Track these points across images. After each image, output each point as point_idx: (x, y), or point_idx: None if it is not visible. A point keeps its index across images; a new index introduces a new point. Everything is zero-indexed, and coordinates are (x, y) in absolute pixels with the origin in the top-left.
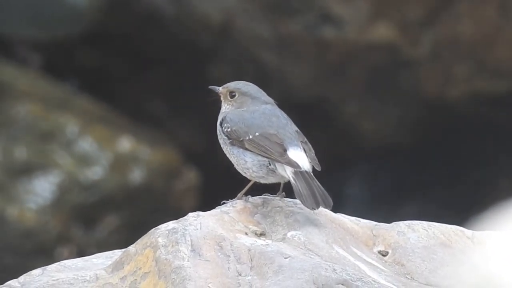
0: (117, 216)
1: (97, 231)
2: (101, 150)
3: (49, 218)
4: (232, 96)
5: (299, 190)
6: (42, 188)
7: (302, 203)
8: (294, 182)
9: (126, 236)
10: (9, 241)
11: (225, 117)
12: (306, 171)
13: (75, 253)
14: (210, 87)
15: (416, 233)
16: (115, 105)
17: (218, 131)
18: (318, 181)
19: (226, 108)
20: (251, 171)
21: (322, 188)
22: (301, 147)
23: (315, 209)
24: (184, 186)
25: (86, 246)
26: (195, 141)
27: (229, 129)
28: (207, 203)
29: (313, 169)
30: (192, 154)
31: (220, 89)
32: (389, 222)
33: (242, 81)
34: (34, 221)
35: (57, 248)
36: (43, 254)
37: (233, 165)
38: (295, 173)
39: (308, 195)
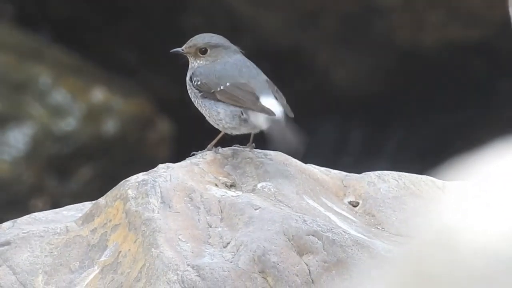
0: (91, 167)
1: (71, 182)
2: (74, 101)
3: (23, 169)
4: (204, 52)
5: (273, 133)
6: (16, 140)
7: (278, 144)
8: (267, 127)
9: (100, 187)
10: None
11: (195, 71)
12: (278, 118)
13: (49, 205)
14: (171, 51)
15: (386, 184)
16: (88, 55)
17: (188, 86)
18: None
19: (198, 64)
20: (223, 122)
21: (295, 132)
22: (273, 95)
23: (290, 148)
24: (157, 136)
25: (60, 197)
26: (169, 91)
27: (199, 82)
28: (181, 153)
29: (286, 116)
30: (166, 104)
31: (183, 49)
32: (360, 173)
33: (205, 34)
34: (8, 172)
35: (31, 200)
36: (17, 206)
37: (205, 118)
38: (268, 119)
39: (282, 137)
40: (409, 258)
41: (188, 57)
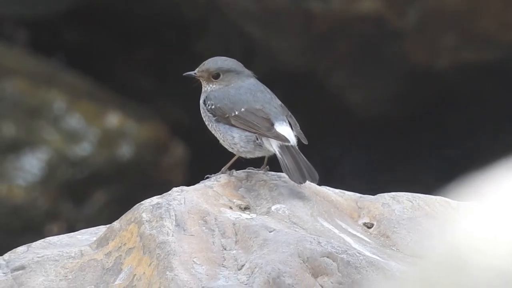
0: (105, 192)
1: (86, 207)
2: (89, 126)
3: (38, 194)
4: (216, 77)
5: (285, 164)
6: (31, 165)
7: (289, 177)
8: (280, 156)
9: (115, 211)
10: None
11: (208, 95)
12: (292, 146)
13: (65, 229)
14: (184, 74)
15: (401, 205)
16: (102, 80)
17: (202, 109)
18: (304, 154)
19: (211, 88)
20: (238, 146)
21: (308, 162)
22: (287, 121)
23: (301, 183)
24: (172, 161)
25: (75, 222)
26: (183, 115)
27: (213, 106)
28: (195, 177)
29: (299, 142)
30: (180, 129)
31: (196, 72)
32: (374, 194)
33: (218, 58)
34: (23, 198)
35: (46, 225)
36: (33, 231)
37: (219, 141)
38: (281, 147)
39: (294, 169)
40: (420, 278)
41: (201, 80)
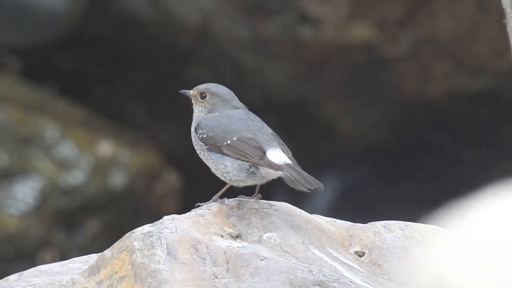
0: (99, 220)
1: (79, 235)
2: (81, 154)
3: (31, 223)
4: (203, 97)
5: (290, 177)
6: (23, 193)
7: (295, 187)
8: (282, 173)
9: (108, 240)
10: None
11: (199, 123)
12: (290, 164)
13: (58, 258)
14: (180, 91)
15: (392, 233)
16: (94, 108)
17: (193, 137)
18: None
19: (198, 111)
20: (231, 175)
21: (309, 175)
22: (279, 147)
23: (309, 190)
24: (165, 189)
25: (68, 250)
26: (176, 143)
27: (204, 135)
28: (189, 205)
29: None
30: (173, 157)
31: (190, 92)
32: (365, 222)
33: (213, 83)
34: (16, 226)
35: (39, 253)
36: (25, 259)
37: (211, 169)
38: (280, 166)
39: (300, 178)
40: None
41: (193, 102)
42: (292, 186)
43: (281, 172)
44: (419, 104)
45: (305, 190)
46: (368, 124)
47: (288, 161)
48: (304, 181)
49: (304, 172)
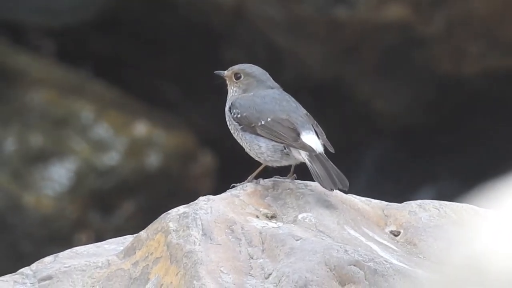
0: (134, 201)
1: (114, 216)
2: (116, 136)
3: (66, 204)
4: (238, 78)
5: (316, 172)
6: (59, 175)
7: (320, 184)
8: (310, 164)
9: (143, 221)
10: (27, 229)
11: (234, 102)
12: (320, 153)
13: (93, 239)
14: (215, 72)
15: (427, 212)
16: (129, 90)
17: (227, 117)
18: (332, 162)
19: (233, 91)
20: (265, 155)
21: (337, 169)
22: (313, 130)
23: (333, 190)
24: (200, 169)
25: (103, 232)
26: (210, 124)
27: (239, 115)
28: (224, 186)
29: (326, 151)
30: (207, 138)
31: (225, 72)
32: (401, 202)
33: (247, 64)
34: (51, 208)
35: (74, 234)
36: (61, 241)
37: (245, 149)
38: (310, 156)
39: (325, 176)
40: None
41: (227, 82)
42: (316, 181)
43: (309, 163)
44: (454, 84)
45: (328, 190)
46: (402, 104)
47: (320, 148)
48: (327, 180)
49: (332, 166)
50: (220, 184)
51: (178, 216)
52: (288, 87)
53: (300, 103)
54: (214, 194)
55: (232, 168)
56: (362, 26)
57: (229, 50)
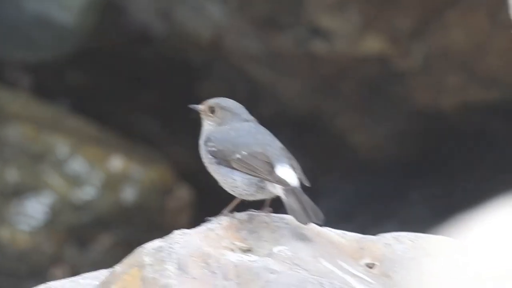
0: (110, 236)
1: (91, 251)
2: (92, 170)
3: (42, 239)
4: (212, 112)
5: (291, 206)
6: (34, 210)
7: (295, 218)
8: (285, 198)
9: (120, 255)
10: (2, 264)
11: (209, 136)
12: (295, 187)
13: (69, 274)
14: (190, 106)
15: (402, 245)
16: (107, 124)
17: (201, 150)
18: (308, 195)
19: (208, 124)
20: (240, 189)
21: (312, 203)
22: (289, 164)
23: (307, 224)
24: (177, 203)
25: (80, 266)
26: (188, 158)
27: (214, 149)
28: (201, 220)
29: (302, 184)
30: (185, 172)
31: (200, 106)
32: (375, 234)
33: (224, 98)
34: (27, 243)
35: (50, 269)
36: (38, 275)
37: (219, 183)
38: (286, 189)
39: (300, 210)
40: None
41: (202, 116)
42: (291, 215)
43: (284, 196)
44: (432, 117)
45: (302, 223)
46: (380, 137)
47: (295, 182)
48: (302, 214)
49: (307, 199)
50: (197, 217)
51: (153, 250)
52: (267, 121)
53: (278, 137)
54: (191, 227)
55: (209, 202)
56: (340, 59)
57: (208, 84)
